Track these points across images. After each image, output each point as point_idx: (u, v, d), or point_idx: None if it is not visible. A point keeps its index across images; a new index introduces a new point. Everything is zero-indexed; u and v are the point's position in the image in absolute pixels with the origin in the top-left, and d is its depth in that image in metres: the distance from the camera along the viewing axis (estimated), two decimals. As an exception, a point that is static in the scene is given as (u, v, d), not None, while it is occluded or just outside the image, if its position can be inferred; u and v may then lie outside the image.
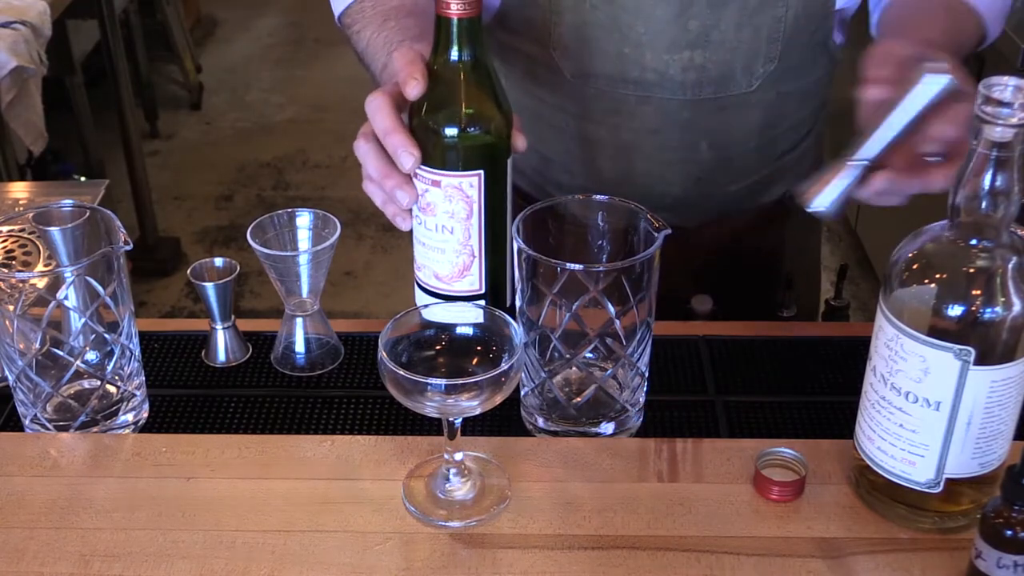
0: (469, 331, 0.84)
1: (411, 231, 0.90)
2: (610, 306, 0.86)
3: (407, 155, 0.84)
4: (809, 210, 0.86)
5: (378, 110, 0.85)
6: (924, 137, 0.81)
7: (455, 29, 0.83)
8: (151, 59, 3.68)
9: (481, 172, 0.85)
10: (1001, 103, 0.69)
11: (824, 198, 0.85)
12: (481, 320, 0.83)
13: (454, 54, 0.84)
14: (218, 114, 3.91)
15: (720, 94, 1.08)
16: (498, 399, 0.80)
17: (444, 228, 0.87)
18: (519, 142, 0.88)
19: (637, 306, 0.86)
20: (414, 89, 0.84)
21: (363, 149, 0.87)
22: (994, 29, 1.09)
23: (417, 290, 0.93)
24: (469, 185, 0.85)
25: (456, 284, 0.89)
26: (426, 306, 0.84)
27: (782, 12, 1.05)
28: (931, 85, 0.81)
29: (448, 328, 0.85)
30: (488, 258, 0.89)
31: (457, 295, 0.90)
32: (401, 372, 0.77)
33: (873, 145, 0.83)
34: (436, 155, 0.85)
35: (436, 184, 0.86)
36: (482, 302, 0.89)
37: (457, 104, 0.85)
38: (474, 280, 0.89)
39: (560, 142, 1.16)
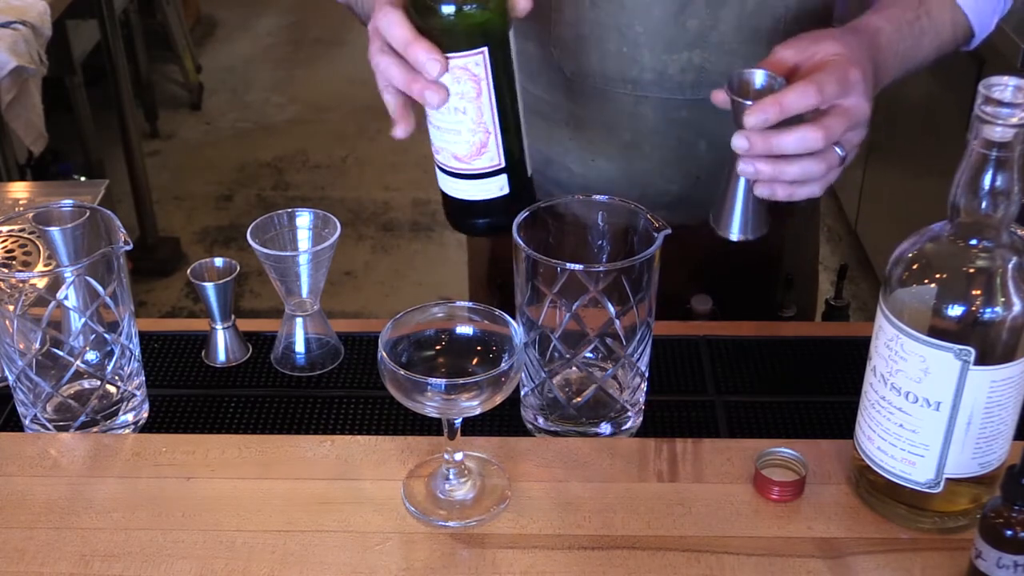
0: (469, 331, 0.84)
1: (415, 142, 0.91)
2: (610, 306, 0.86)
3: (434, 63, 0.84)
4: (734, 240, 0.92)
5: (393, 23, 0.86)
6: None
7: None
8: (151, 59, 3.68)
9: (485, 49, 0.86)
10: (1001, 103, 0.69)
11: (739, 226, 0.91)
12: (506, 190, 0.88)
13: None
14: (218, 114, 3.91)
15: (720, 94, 1.08)
16: (498, 399, 0.80)
17: (456, 110, 0.88)
18: (519, 3, 0.88)
19: (637, 306, 0.86)
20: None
21: (384, 62, 0.87)
22: (981, 24, 1.06)
23: (440, 174, 0.93)
24: (475, 64, 0.86)
25: (475, 162, 0.90)
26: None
27: (781, 12, 1.04)
28: None
29: (448, 328, 0.85)
30: (503, 133, 0.89)
31: (478, 173, 0.90)
32: (401, 372, 0.77)
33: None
34: (439, 38, 0.85)
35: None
36: (505, 176, 0.90)
37: None
38: (493, 156, 0.89)
39: (560, 141, 1.16)
